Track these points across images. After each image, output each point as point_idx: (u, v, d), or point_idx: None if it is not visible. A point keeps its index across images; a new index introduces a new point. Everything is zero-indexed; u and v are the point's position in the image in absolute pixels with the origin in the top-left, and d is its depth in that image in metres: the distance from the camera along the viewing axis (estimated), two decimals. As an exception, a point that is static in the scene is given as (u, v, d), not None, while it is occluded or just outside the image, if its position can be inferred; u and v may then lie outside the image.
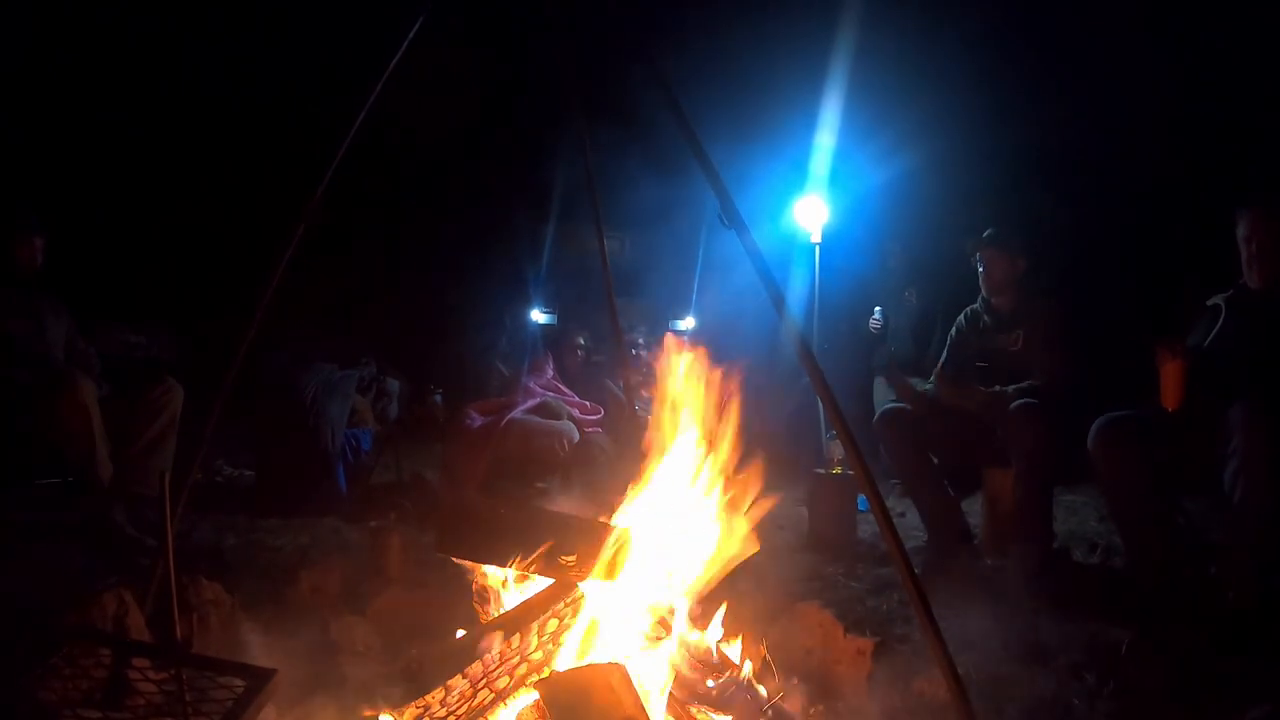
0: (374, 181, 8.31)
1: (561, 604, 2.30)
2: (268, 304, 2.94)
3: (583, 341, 6.54)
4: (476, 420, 5.83)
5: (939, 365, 4.80)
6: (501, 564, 2.47)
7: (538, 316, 8.12)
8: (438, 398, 7.30)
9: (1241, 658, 3.03)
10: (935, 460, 4.61)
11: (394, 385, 6.77)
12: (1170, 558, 3.65)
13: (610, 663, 2.14)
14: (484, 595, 2.58)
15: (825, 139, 7.03)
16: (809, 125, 7.08)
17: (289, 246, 3.00)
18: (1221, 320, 3.76)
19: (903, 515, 5.36)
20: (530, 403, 5.95)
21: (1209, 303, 3.89)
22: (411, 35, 3.10)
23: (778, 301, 2.55)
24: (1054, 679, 2.86)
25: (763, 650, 2.57)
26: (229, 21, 8.49)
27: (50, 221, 4.59)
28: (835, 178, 6.85)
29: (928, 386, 4.76)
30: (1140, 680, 2.84)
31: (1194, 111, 7.66)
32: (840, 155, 7.06)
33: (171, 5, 8.26)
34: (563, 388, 6.22)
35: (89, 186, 8.27)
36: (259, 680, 1.97)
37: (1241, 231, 3.77)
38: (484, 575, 2.57)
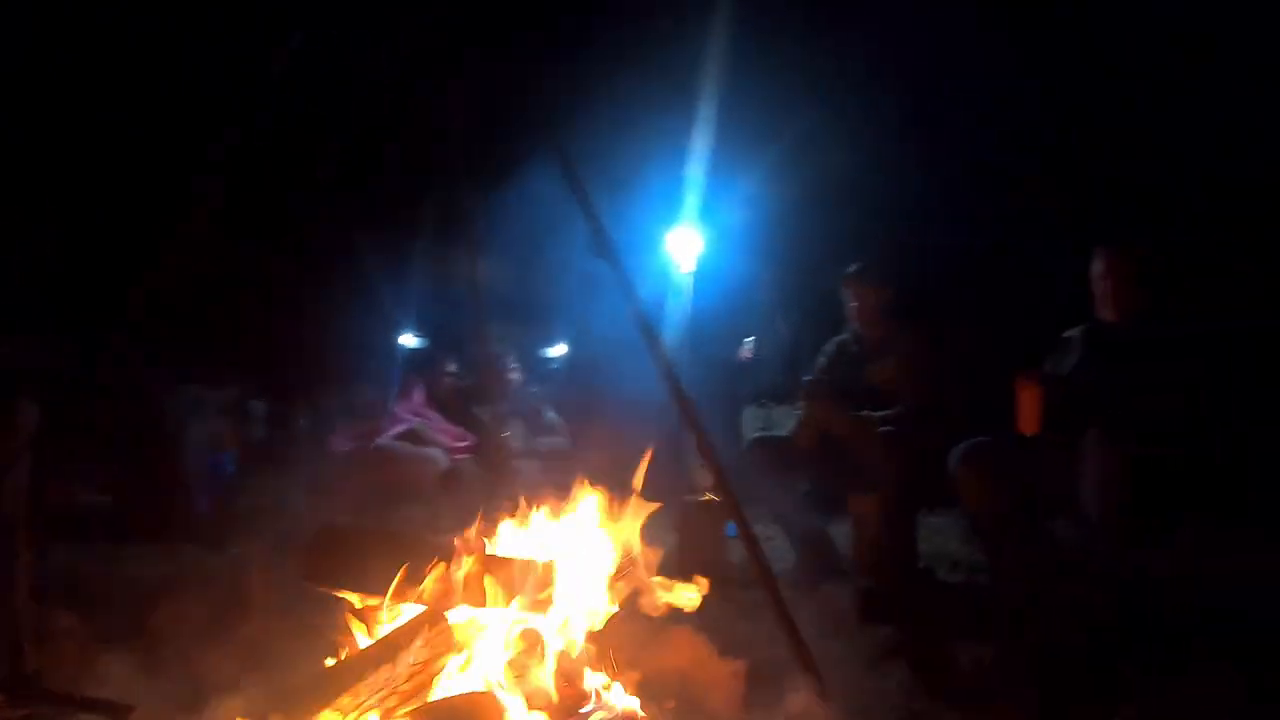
0: (245, 199, 8.06)
1: (432, 632, 2.26)
2: (130, 323, 2.84)
3: (453, 368, 6.47)
4: (343, 445, 5.72)
5: (805, 383, 4.88)
6: (369, 592, 2.41)
7: (408, 341, 8.00)
8: (303, 421, 7.13)
9: (1106, 667, 3.17)
10: (803, 486, 4.70)
11: (258, 407, 6.59)
12: (1035, 574, 3.79)
13: (482, 691, 2.12)
14: (352, 624, 2.51)
15: (698, 170, 7.11)
16: (684, 156, 7.15)
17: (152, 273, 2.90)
18: (1078, 352, 3.95)
19: (770, 540, 5.43)
20: (398, 428, 5.85)
21: (1065, 335, 4.08)
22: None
23: (646, 332, 2.57)
24: (921, 692, 2.95)
25: (636, 675, 2.57)
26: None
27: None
28: (710, 208, 6.92)
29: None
30: (1007, 691, 2.94)
31: (1066, 147, 8.00)
32: (715, 186, 7.15)
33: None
34: (431, 414, 6.14)
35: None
36: (116, 717, 1.91)
37: (1097, 269, 3.96)
38: (352, 603, 2.51)
